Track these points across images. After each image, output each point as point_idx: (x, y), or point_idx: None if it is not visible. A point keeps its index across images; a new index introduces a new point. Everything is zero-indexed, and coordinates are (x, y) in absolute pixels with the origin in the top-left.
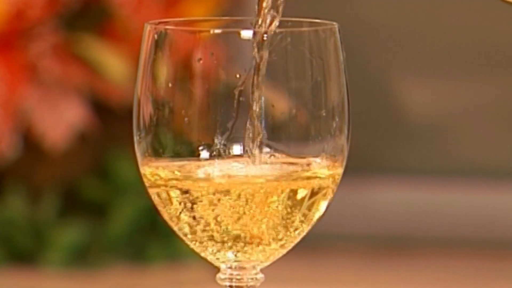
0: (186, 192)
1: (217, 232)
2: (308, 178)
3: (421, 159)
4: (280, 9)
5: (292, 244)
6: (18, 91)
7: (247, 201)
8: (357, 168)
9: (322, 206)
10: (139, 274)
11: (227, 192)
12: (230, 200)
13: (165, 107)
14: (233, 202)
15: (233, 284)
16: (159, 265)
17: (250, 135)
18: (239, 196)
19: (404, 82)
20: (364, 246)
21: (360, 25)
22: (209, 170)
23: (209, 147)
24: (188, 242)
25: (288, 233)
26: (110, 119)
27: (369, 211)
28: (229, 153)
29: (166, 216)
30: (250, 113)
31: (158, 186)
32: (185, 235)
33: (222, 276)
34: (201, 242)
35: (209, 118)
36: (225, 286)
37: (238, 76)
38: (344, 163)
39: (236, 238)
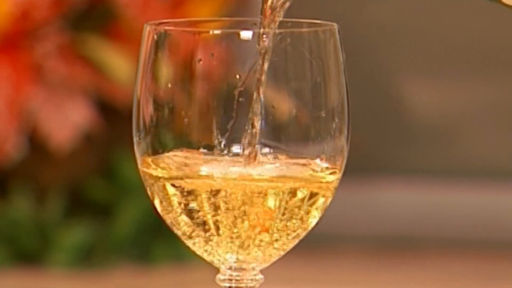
0: (185, 192)
1: (216, 232)
2: (308, 179)
3: (426, 160)
4: (283, 9)
5: (292, 245)
6: (23, 92)
7: (246, 202)
8: (360, 169)
9: (322, 207)
10: (145, 274)
11: (226, 193)
12: (229, 201)
13: (165, 108)
14: (233, 203)
15: (233, 285)
16: (164, 265)
17: (249, 135)
18: (238, 197)
19: (408, 83)
20: (368, 247)
21: (366, 27)
22: (209, 170)
23: (209, 147)
24: (187, 243)
25: (287, 234)
26: (115, 119)
27: (373, 212)
28: (229, 153)
29: (165, 217)
30: (250, 114)
31: (157, 186)
32: (184, 235)
33: (222, 277)
34: (200, 243)
35: (209, 119)
36: (225, 287)
37: (238, 76)
38: (344, 164)
39: (236, 239)
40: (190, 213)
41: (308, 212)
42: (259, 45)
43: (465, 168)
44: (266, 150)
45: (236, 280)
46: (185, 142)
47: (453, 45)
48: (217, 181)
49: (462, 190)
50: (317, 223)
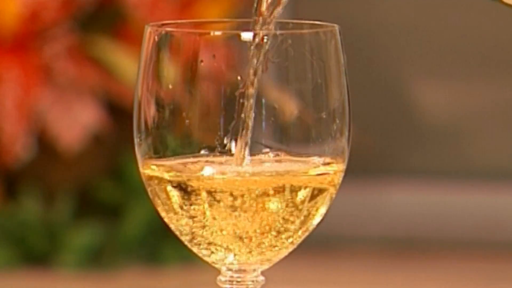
0: (186, 193)
1: (218, 234)
2: (309, 180)
3: (435, 161)
4: (278, 10)
5: (293, 247)
6: (32, 93)
7: (247, 203)
8: (369, 170)
9: (323, 208)
10: (153, 275)
11: (228, 194)
12: (230, 202)
13: (166, 109)
14: (234, 204)
15: (234, 286)
16: (173, 266)
17: (243, 135)
18: (239, 198)
19: (418, 85)
20: (375, 248)
21: (377, 29)
22: (210, 172)
23: (210, 149)
24: (188, 244)
25: (288, 235)
26: (124, 120)
27: (383, 213)
28: (230, 155)
29: (166, 218)
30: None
31: (159, 188)
32: (185, 236)
33: (223, 279)
34: (201, 244)
35: (210, 120)
36: None
37: (239, 78)
38: (345, 165)
39: (237, 240)
40: (191, 214)
41: (308, 214)
42: (253, 45)
43: (474, 169)
44: (267, 151)
45: (237, 281)
46: (186, 144)
47: (463, 46)
48: (218, 183)
49: (471, 191)
50: (318, 224)
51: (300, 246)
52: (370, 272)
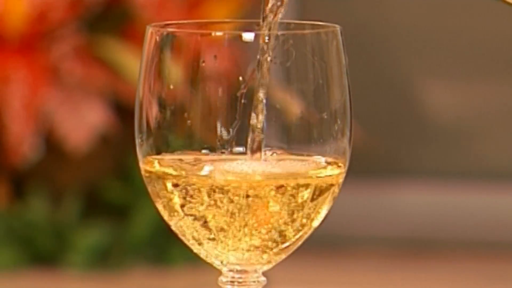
0: (188, 194)
1: (218, 233)
2: (311, 180)
3: (443, 162)
4: (281, 11)
5: (295, 247)
6: (40, 93)
7: (249, 203)
8: (377, 171)
9: (325, 208)
10: (161, 276)
11: (230, 194)
12: (232, 202)
13: (167, 110)
14: (236, 204)
15: (235, 287)
16: (180, 267)
17: (251, 135)
18: (241, 198)
19: (426, 85)
20: (384, 249)
21: (385, 29)
22: (212, 172)
23: (211, 149)
24: (189, 244)
25: (290, 235)
26: (131, 121)
27: (388, 213)
28: (232, 155)
29: (167, 219)
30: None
31: (160, 188)
32: (186, 236)
33: (224, 279)
34: (202, 244)
35: (212, 121)
36: None
37: (241, 78)
38: (347, 166)
39: (238, 241)
40: (192, 214)
41: (310, 214)
42: (259, 46)
43: (483, 169)
44: (269, 151)
45: (239, 282)
46: (188, 144)
47: (471, 47)
48: (220, 183)
49: (480, 192)
50: (320, 224)
51: (302, 246)
52: (374, 273)
